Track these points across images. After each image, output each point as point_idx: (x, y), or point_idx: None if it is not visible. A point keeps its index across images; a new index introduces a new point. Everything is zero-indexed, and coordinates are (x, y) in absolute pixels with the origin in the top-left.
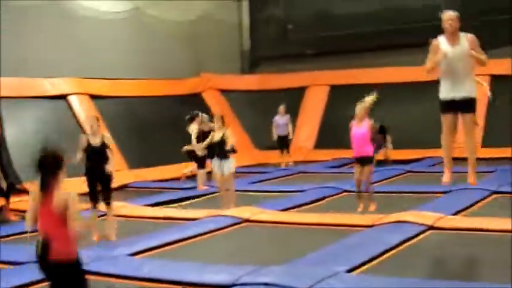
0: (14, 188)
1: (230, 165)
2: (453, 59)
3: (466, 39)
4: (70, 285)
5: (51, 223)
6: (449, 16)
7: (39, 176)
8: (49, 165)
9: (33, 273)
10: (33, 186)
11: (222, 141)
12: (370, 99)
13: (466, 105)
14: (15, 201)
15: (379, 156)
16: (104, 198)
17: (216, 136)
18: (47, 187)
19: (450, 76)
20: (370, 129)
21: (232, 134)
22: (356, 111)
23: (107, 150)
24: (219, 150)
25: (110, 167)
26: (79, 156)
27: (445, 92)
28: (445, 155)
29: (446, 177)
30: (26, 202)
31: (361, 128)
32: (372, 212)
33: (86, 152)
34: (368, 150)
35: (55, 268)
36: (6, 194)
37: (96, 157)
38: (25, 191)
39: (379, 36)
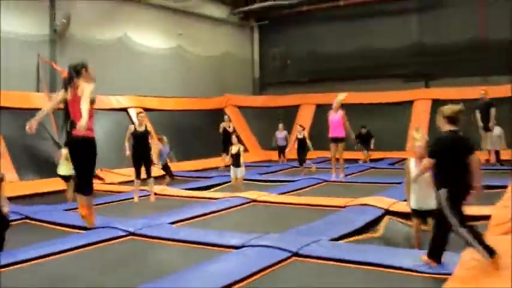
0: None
1: (242, 172)
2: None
3: None
4: (88, 154)
5: (78, 111)
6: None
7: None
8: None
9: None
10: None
11: (238, 154)
12: (342, 96)
13: None
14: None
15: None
16: (145, 171)
17: (233, 149)
18: (72, 86)
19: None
20: (343, 117)
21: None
22: (333, 105)
23: (148, 135)
24: (235, 160)
25: (152, 148)
26: (127, 141)
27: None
28: None
29: None
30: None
31: (336, 116)
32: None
33: (133, 135)
34: (341, 132)
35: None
36: None
37: (140, 140)
38: (96, 176)
39: (353, 69)
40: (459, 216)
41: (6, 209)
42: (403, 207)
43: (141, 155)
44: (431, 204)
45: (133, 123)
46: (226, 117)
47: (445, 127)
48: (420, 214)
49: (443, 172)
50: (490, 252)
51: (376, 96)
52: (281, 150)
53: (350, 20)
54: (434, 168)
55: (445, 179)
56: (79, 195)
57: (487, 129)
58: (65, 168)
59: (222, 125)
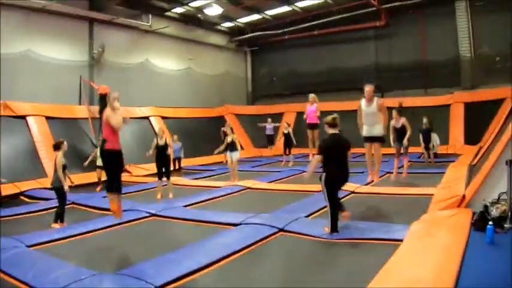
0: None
1: (237, 155)
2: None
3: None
4: (116, 163)
5: (106, 131)
6: (368, 88)
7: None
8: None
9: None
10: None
11: (233, 142)
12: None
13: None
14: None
15: None
16: (165, 174)
17: (228, 138)
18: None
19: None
20: (318, 108)
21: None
22: (309, 99)
23: (168, 147)
24: (231, 146)
25: (168, 155)
26: (151, 150)
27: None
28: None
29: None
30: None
31: (311, 107)
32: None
33: (156, 148)
34: (315, 120)
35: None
36: None
37: (161, 151)
38: (126, 170)
39: (325, 84)
40: (328, 194)
41: (66, 187)
42: (366, 189)
43: (162, 162)
44: (375, 132)
45: (156, 135)
46: (227, 123)
47: (329, 131)
48: (369, 139)
49: (325, 163)
50: (333, 227)
51: (343, 105)
52: (269, 138)
53: (322, 45)
54: (322, 161)
55: (326, 168)
56: (109, 193)
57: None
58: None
59: (223, 129)
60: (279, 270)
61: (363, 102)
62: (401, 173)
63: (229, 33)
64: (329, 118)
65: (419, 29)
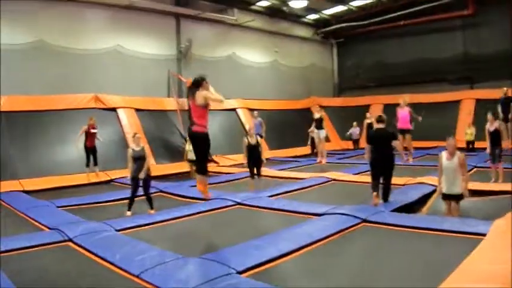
0: (210, 159)
1: (323, 133)
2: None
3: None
4: (204, 146)
5: (196, 113)
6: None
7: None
8: (194, 84)
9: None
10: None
11: (321, 119)
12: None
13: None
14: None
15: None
16: (257, 173)
17: (316, 115)
18: (192, 93)
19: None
20: (410, 112)
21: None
22: (400, 103)
23: (259, 146)
24: (318, 124)
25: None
26: (245, 152)
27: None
28: None
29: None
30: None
31: (403, 111)
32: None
33: (248, 147)
34: (407, 125)
35: (196, 135)
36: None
37: (253, 149)
38: (213, 161)
39: (411, 75)
40: (371, 175)
41: (142, 175)
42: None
43: (254, 160)
44: (455, 190)
45: (245, 134)
46: (315, 107)
47: (376, 125)
48: (448, 197)
49: (372, 151)
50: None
51: (430, 97)
52: (355, 142)
53: (409, 36)
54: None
55: (372, 154)
56: (198, 174)
57: (507, 120)
58: (191, 154)
59: (313, 110)
60: (359, 259)
61: (444, 156)
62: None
63: (315, 25)
64: (377, 116)
65: (508, 17)
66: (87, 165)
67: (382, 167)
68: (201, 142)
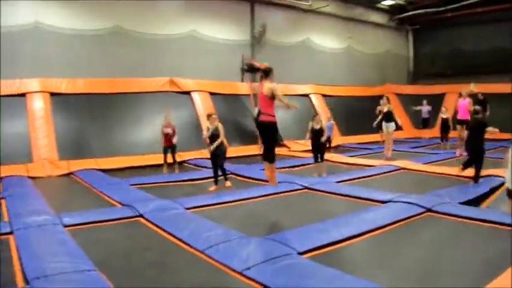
0: (280, 143)
1: (393, 126)
2: None
3: None
4: (270, 134)
5: (263, 103)
6: None
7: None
8: (265, 73)
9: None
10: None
11: (389, 112)
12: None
13: None
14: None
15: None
16: (320, 158)
17: (385, 108)
18: (262, 83)
19: None
20: (470, 103)
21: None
22: (461, 92)
23: (323, 131)
24: (387, 117)
25: (323, 139)
26: (308, 135)
27: None
28: None
29: None
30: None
31: (464, 101)
32: None
33: (311, 132)
34: (466, 116)
35: (263, 124)
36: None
37: (316, 134)
38: (284, 145)
39: (489, 65)
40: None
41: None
42: None
43: (317, 145)
44: None
45: (312, 119)
46: (382, 99)
47: (474, 116)
48: None
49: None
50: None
51: (508, 87)
52: (425, 122)
53: (487, 24)
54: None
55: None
56: (265, 162)
57: None
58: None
59: (379, 108)
60: (420, 248)
61: None
62: None
63: (390, 12)
64: (474, 109)
65: None
66: (165, 162)
67: (473, 152)
68: (267, 131)
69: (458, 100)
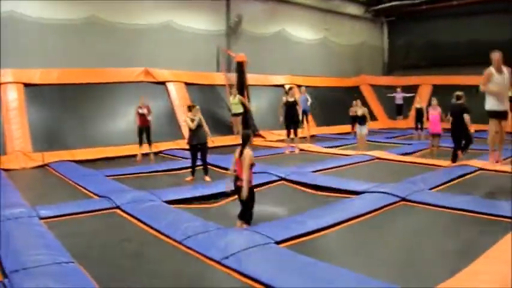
0: (255, 133)
1: (365, 130)
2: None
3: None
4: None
5: (240, 169)
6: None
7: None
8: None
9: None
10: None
11: (364, 116)
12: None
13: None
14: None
15: None
16: (293, 132)
17: (359, 111)
18: (240, 152)
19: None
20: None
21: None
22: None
23: (296, 105)
24: (361, 120)
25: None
26: (280, 108)
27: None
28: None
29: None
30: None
31: (434, 111)
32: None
33: (285, 105)
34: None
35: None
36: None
37: (290, 108)
38: (260, 135)
39: (464, 57)
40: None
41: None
42: (492, 166)
43: (291, 120)
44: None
45: (286, 93)
46: (356, 101)
47: (454, 101)
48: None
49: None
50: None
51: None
52: (398, 108)
53: (462, 16)
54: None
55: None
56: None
57: None
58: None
59: (352, 109)
60: (395, 237)
61: (493, 71)
62: None
63: (366, 3)
64: (456, 94)
65: None
66: (140, 144)
67: (453, 136)
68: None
69: (429, 109)
